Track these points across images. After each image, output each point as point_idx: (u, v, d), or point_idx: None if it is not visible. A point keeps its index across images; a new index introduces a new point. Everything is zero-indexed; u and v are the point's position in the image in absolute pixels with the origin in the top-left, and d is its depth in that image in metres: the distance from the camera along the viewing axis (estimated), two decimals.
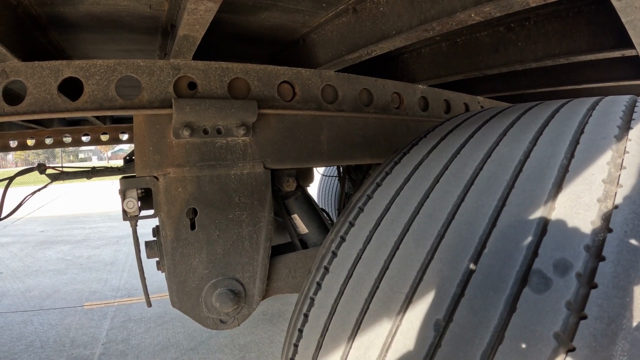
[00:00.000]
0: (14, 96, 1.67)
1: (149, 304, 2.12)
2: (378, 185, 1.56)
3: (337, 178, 7.03)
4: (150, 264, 2.64)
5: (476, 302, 1.01)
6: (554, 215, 1.05)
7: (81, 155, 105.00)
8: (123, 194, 1.88)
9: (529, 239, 1.03)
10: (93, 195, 23.85)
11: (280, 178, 2.20)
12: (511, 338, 0.93)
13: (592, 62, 2.96)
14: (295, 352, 1.44)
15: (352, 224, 1.50)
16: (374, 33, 1.95)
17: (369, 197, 1.54)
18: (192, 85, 1.84)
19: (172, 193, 1.85)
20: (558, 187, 1.11)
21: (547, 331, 0.89)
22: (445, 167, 1.38)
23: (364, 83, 2.20)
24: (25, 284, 7.67)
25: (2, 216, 4.37)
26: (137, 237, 1.98)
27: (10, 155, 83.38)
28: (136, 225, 1.96)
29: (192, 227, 1.89)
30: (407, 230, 1.27)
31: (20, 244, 11.53)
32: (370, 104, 2.22)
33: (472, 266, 1.07)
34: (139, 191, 1.91)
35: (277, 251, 2.20)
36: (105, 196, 22.94)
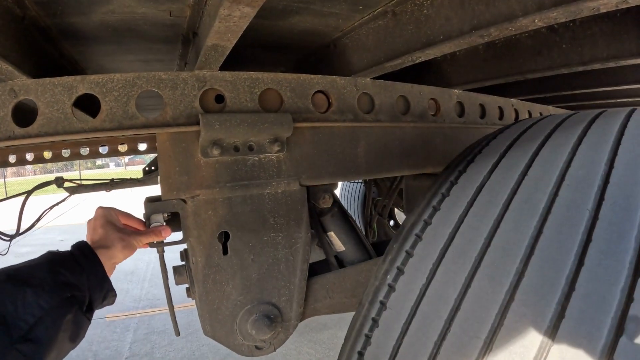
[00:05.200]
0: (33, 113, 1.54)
1: (177, 333, 1.99)
2: (435, 209, 1.41)
3: (360, 184, 6.92)
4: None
5: (568, 352, 0.89)
6: None
7: (98, 162, 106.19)
8: (148, 218, 1.75)
9: (623, 281, 0.90)
10: (111, 203, 23.98)
11: (316, 194, 2.05)
12: None
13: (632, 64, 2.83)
14: None
15: (409, 254, 1.35)
16: (418, 38, 1.81)
17: (427, 223, 1.39)
18: (220, 99, 1.71)
19: (202, 217, 1.72)
20: None
21: None
22: (514, 192, 1.23)
23: (400, 90, 2.05)
24: None
25: (21, 231, 4.29)
26: (164, 263, 1.86)
27: None
28: (163, 252, 1.84)
29: (225, 251, 1.76)
30: (479, 265, 1.12)
31: (40, 253, 11.55)
32: (407, 112, 2.07)
33: (561, 311, 0.93)
34: (166, 215, 1.78)
35: (311, 270, 2.07)
36: (123, 204, 23.05)
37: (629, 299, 0.88)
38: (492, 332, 1.00)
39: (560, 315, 0.93)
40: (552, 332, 0.92)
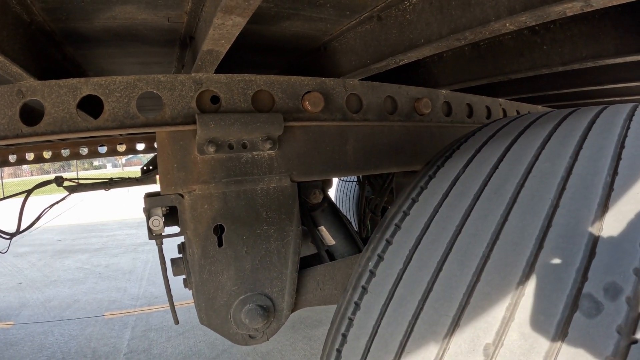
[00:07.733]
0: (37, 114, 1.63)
1: (177, 322, 2.08)
2: (414, 201, 1.51)
3: (354, 183, 6.98)
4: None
5: (527, 326, 0.99)
6: (601, 237, 1.03)
7: (96, 163, 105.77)
8: (148, 212, 1.84)
9: (578, 262, 1.01)
10: (109, 203, 23.99)
11: (307, 190, 2.15)
12: None
13: (616, 63, 2.91)
14: None
15: (389, 242, 1.46)
16: (401, 41, 1.90)
17: (405, 214, 1.49)
18: (215, 99, 1.80)
19: (198, 210, 1.81)
20: (604, 206, 1.08)
21: (599, 355, 0.89)
22: (485, 184, 1.34)
23: (388, 90, 2.14)
24: (45, 294, 7.71)
25: (21, 229, 4.37)
26: (163, 255, 1.95)
27: None
28: (162, 244, 1.93)
29: (220, 244, 1.85)
30: (450, 250, 1.22)
31: (38, 253, 11.62)
32: (394, 111, 2.16)
33: (521, 289, 1.04)
34: (164, 209, 1.87)
35: (303, 263, 2.15)
36: (121, 204, 23.05)
37: (583, 278, 0.98)
38: (460, 310, 1.10)
39: (520, 293, 1.03)
40: (514, 308, 1.02)
